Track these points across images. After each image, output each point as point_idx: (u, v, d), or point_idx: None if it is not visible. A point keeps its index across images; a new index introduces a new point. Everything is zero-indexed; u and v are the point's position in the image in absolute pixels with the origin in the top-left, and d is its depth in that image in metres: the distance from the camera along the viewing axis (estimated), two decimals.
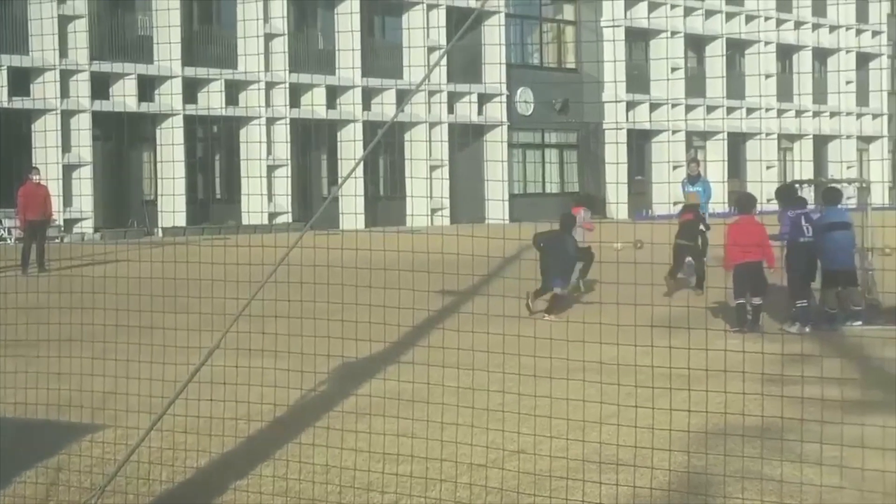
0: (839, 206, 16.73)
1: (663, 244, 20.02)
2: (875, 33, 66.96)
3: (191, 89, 42.65)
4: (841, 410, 9.05)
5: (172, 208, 38.96)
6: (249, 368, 9.75)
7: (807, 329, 15.57)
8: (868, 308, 17.01)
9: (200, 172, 44.67)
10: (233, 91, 43.84)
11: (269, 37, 44.12)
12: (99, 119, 40.40)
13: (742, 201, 16.93)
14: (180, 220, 39.90)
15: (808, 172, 58.99)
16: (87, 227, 39.23)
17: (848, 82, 64.19)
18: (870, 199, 18.24)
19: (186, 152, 41.56)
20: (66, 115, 39.13)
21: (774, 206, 17.18)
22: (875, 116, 67.49)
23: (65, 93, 39.19)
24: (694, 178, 27.62)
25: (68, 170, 38.85)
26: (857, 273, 16.65)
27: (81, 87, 39.67)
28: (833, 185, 17.69)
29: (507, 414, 8.89)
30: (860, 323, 16.06)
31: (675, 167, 51.97)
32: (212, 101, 42.56)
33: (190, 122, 42.52)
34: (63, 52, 39.08)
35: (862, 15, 66.67)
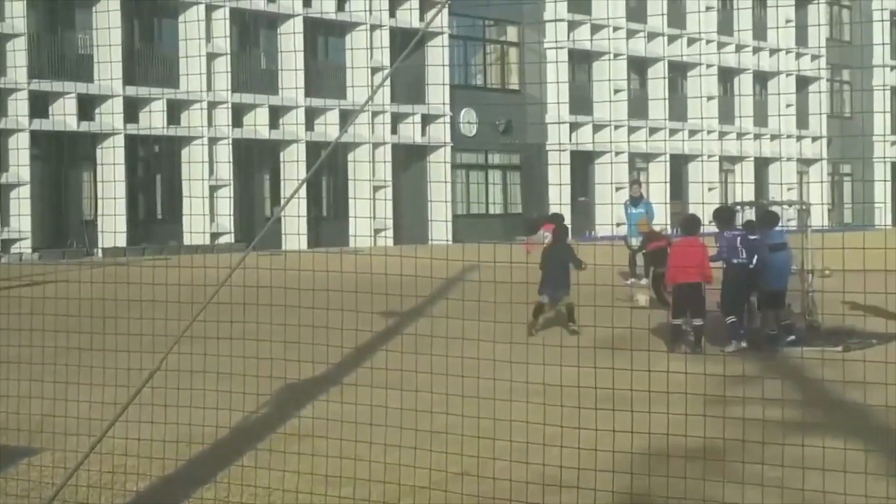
0: (776, 228, 16.91)
1: (605, 266, 20.13)
2: (814, 57, 67.73)
3: (132, 109, 42.42)
4: (782, 431, 9.11)
5: (113, 228, 38.72)
6: (191, 390, 9.68)
7: (743, 344, 15.68)
8: (808, 329, 17.15)
9: (141, 192, 44.42)
10: (174, 110, 43.65)
11: (211, 56, 43.99)
12: (38, 138, 40.10)
13: (686, 223, 17.10)
14: (121, 241, 39.65)
15: (749, 194, 59.53)
16: (25, 247, 38.87)
17: (788, 105, 64.85)
18: (810, 220, 18.40)
19: (127, 172, 41.32)
20: (5, 135, 38.83)
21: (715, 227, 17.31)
22: (815, 139, 68.19)
23: (3, 112, 38.90)
24: (636, 200, 27.79)
25: (6, 189, 38.53)
26: (785, 293, 16.76)
27: (20, 105, 39.37)
28: (769, 209, 17.85)
29: (451, 436, 8.88)
30: (793, 337, 16.20)
31: (617, 188, 52.27)
32: (153, 120, 42.36)
33: (131, 141, 42.29)
34: (1, 70, 38.79)
35: (801, 39, 67.41)
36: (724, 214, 16.90)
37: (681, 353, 15.18)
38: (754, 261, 16.14)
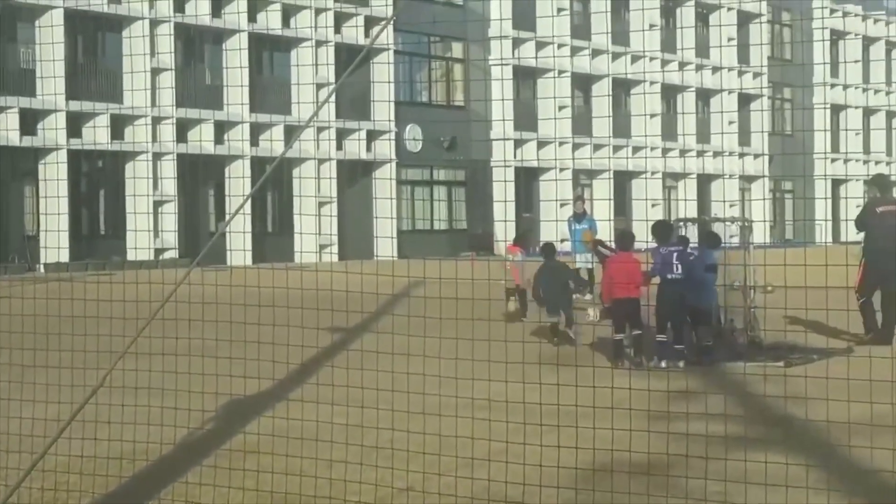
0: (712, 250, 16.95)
1: None
2: (756, 75, 68.33)
3: (75, 123, 42.15)
4: (725, 446, 9.16)
5: (56, 244, 38.41)
6: (136, 407, 9.63)
7: (662, 364, 15.69)
8: (750, 345, 17.24)
9: (84, 208, 44.13)
10: (119, 125, 43.42)
11: (155, 71, 43.79)
12: None
13: (620, 239, 17.23)
14: (63, 256, 39.35)
15: (692, 211, 59.90)
16: None
17: (730, 122, 65.36)
18: (752, 237, 18.50)
19: (70, 187, 41.03)
20: None
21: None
22: (756, 156, 68.73)
23: None
24: (580, 216, 27.86)
25: None
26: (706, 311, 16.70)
27: None
28: (711, 230, 17.81)
29: (396, 451, 8.88)
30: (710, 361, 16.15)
31: (562, 205, 52.40)
32: (97, 135, 42.10)
33: (74, 156, 42.01)
34: None
35: (743, 57, 68.00)
36: (662, 230, 16.94)
37: (624, 368, 15.23)
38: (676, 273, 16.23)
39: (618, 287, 16.14)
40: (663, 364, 15.69)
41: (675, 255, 16.23)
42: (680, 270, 16.13)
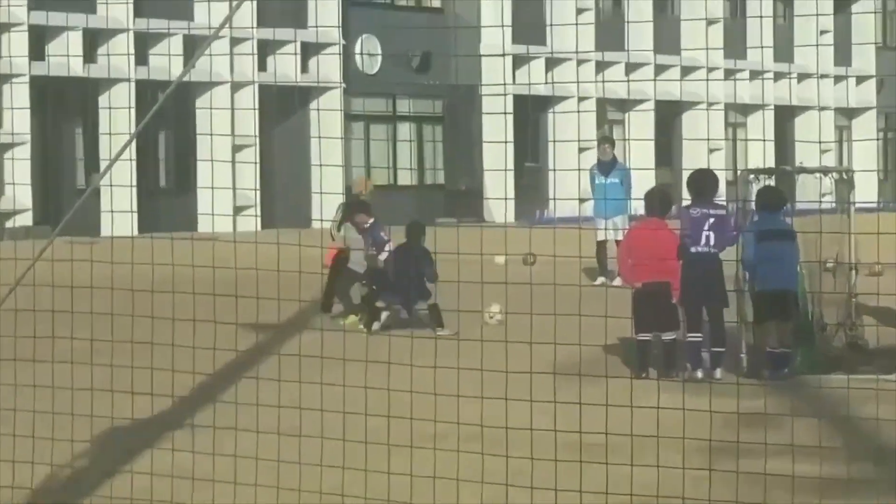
0: (777, 212, 16.75)
1: (566, 258, 20.22)
2: None
3: None
4: (819, 492, 9.23)
5: None
6: None
7: (698, 374, 15.79)
8: (851, 349, 17.31)
9: None
10: None
11: None
12: None
13: (651, 198, 16.99)
14: None
15: (769, 159, 59.79)
16: None
17: (823, 32, 65.08)
18: (853, 195, 18.45)
19: None
20: None
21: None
22: (860, 80, 68.50)
23: None
24: (607, 166, 27.75)
25: None
26: (797, 298, 16.66)
27: None
28: (769, 186, 17.67)
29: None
30: (786, 370, 16.15)
31: (582, 149, 52.23)
32: None
33: None
34: None
35: None
36: (702, 181, 16.92)
37: (650, 378, 15.33)
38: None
39: (642, 267, 16.12)
40: (699, 374, 15.77)
41: (710, 219, 16.15)
42: (712, 241, 16.06)
